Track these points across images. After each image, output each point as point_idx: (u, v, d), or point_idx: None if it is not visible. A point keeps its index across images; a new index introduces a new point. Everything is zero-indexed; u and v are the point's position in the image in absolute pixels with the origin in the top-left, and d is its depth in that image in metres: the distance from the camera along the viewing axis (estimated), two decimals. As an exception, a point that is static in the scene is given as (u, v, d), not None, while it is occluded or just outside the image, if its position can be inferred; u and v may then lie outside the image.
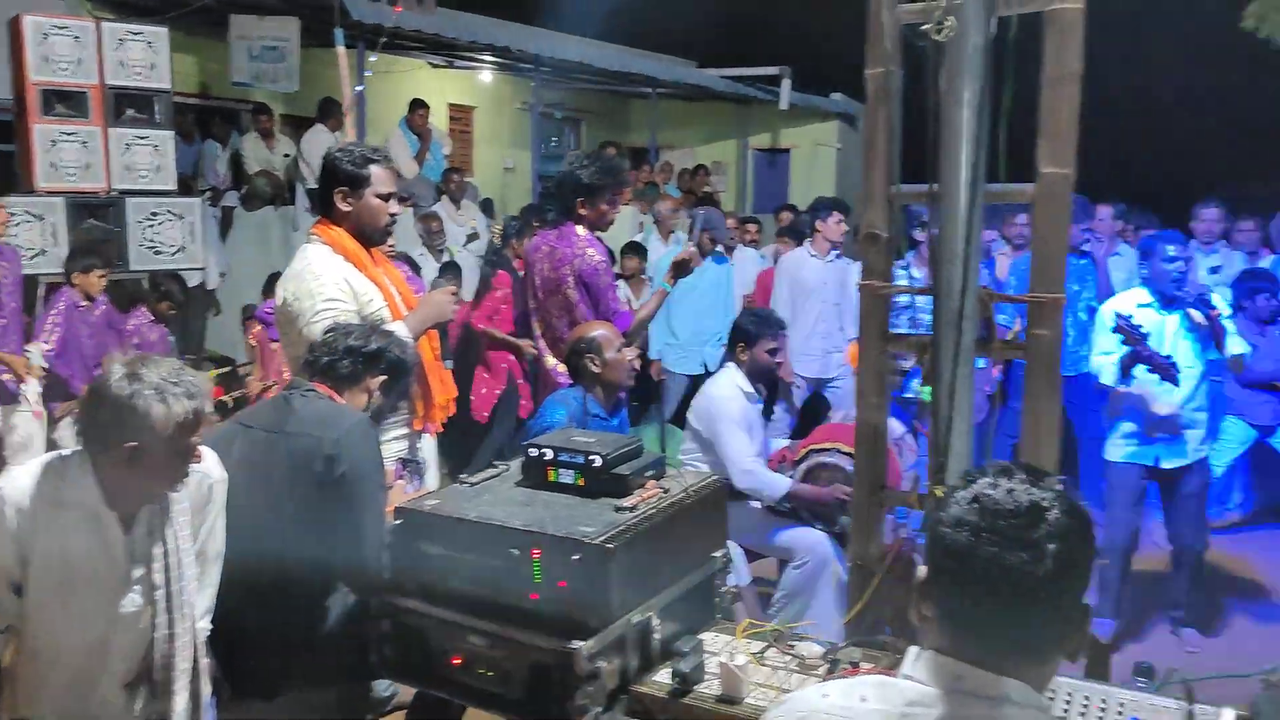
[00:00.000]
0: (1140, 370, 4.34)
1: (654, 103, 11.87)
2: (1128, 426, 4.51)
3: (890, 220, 2.70)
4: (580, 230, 4.20)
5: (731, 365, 4.48)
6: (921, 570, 1.50)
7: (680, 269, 4.39)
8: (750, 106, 13.21)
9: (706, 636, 2.49)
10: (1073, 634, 1.48)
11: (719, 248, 6.81)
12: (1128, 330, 4.20)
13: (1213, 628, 4.72)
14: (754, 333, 4.41)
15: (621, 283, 6.98)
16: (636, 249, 7.00)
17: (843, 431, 4.60)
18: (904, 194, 2.69)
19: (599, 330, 3.88)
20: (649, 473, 2.61)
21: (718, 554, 2.71)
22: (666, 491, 2.55)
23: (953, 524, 1.45)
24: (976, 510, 1.44)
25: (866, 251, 2.72)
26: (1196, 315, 4.40)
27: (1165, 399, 4.42)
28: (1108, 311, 4.45)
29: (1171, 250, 4.47)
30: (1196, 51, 10.45)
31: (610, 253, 4.58)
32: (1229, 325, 4.48)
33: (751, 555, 4.35)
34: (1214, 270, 6.10)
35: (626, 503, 2.42)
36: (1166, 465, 4.48)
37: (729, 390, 4.34)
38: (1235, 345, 4.47)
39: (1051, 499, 1.47)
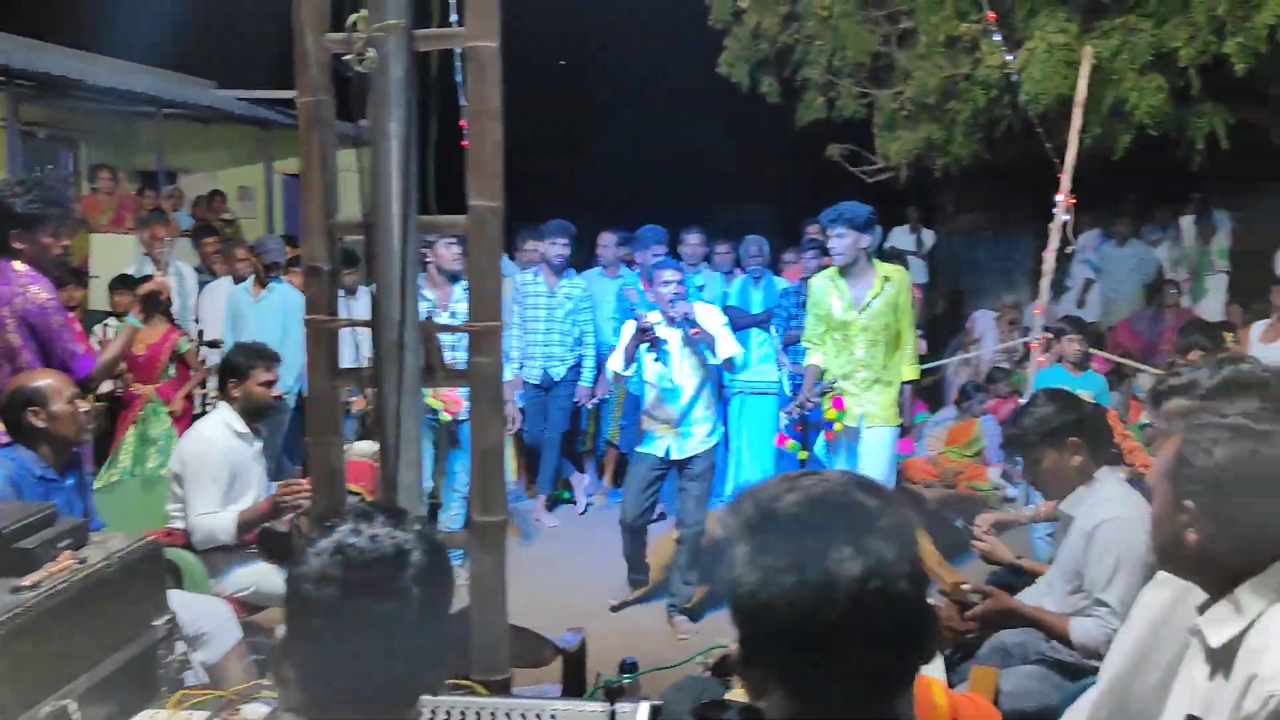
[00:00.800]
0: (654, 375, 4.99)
1: (159, 124, 10.96)
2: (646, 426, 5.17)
3: (331, 252, 2.63)
4: (19, 266, 3.69)
5: (223, 404, 4.20)
6: (280, 629, 1.42)
7: (148, 301, 4.07)
8: (276, 130, 12.65)
9: (144, 715, 2.27)
10: (436, 669, 1.48)
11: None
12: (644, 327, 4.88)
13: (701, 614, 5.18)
14: (244, 366, 4.17)
15: (113, 320, 6.31)
16: (127, 281, 6.36)
17: (362, 468, 4.51)
18: (341, 225, 2.64)
19: (44, 380, 3.44)
20: (63, 543, 2.34)
21: (159, 621, 2.49)
22: (84, 562, 2.31)
23: (316, 579, 1.38)
24: (340, 563, 1.39)
25: (309, 285, 2.63)
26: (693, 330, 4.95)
27: (674, 402, 5.05)
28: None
29: (668, 275, 5.03)
30: (681, 93, 11.63)
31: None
32: (725, 334, 5.10)
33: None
34: (700, 289, 6.78)
35: (28, 580, 2.16)
36: (676, 457, 5.09)
37: (212, 432, 4.06)
38: (728, 350, 5.04)
39: (413, 541, 1.46)
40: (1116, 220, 9.88)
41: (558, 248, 6.45)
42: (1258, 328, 5.99)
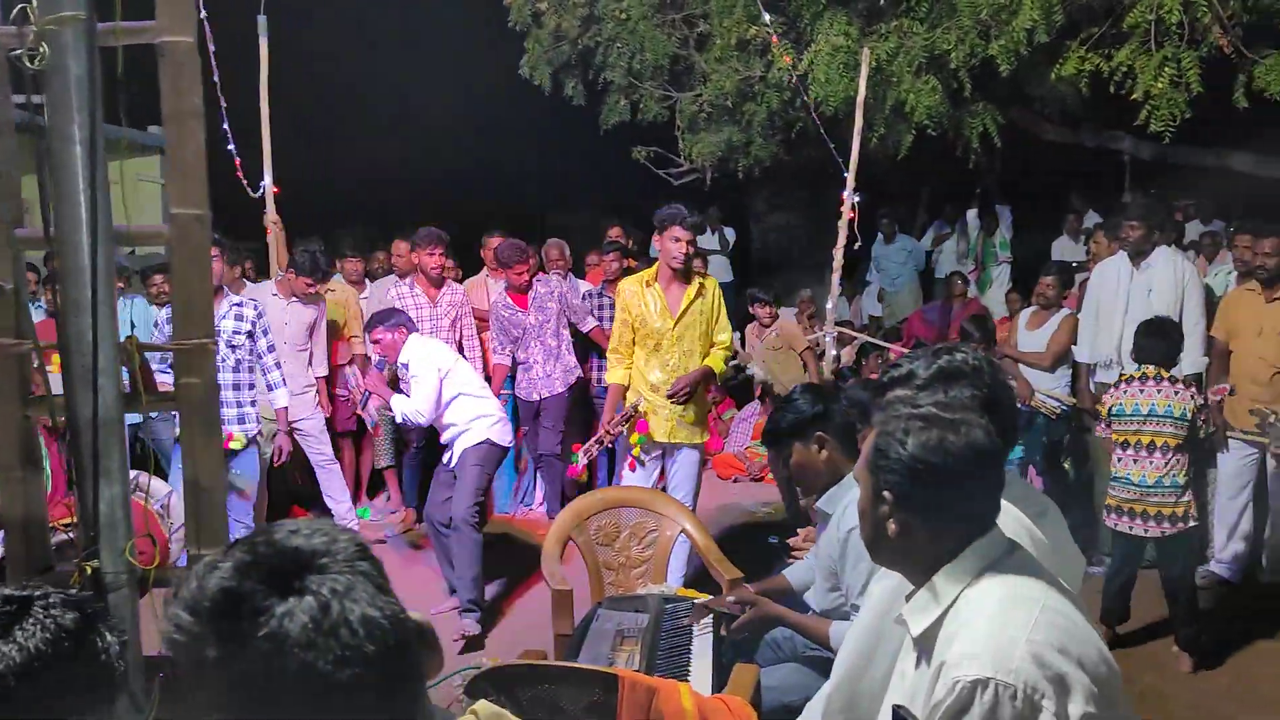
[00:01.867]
0: None
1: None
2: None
3: (14, 269, 2.39)
4: None
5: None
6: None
7: None
8: (53, 138, 11.80)
9: None
10: None
11: None
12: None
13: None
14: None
15: None
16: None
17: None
18: (23, 240, 2.40)
19: None
20: None
21: None
22: None
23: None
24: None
25: (-8, 306, 2.38)
26: None
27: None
28: None
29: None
30: (484, 92, 11.47)
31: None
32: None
33: None
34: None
35: None
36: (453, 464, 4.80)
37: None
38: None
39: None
40: (884, 218, 10.37)
41: (435, 258, 6.26)
42: (1024, 315, 6.31)
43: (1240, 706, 4.24)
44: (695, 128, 8.97)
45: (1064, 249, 9.21)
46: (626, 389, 5.00)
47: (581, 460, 4.88)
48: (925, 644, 1.83)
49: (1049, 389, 5.91)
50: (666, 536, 4.10)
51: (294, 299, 6.05)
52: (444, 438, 5.06)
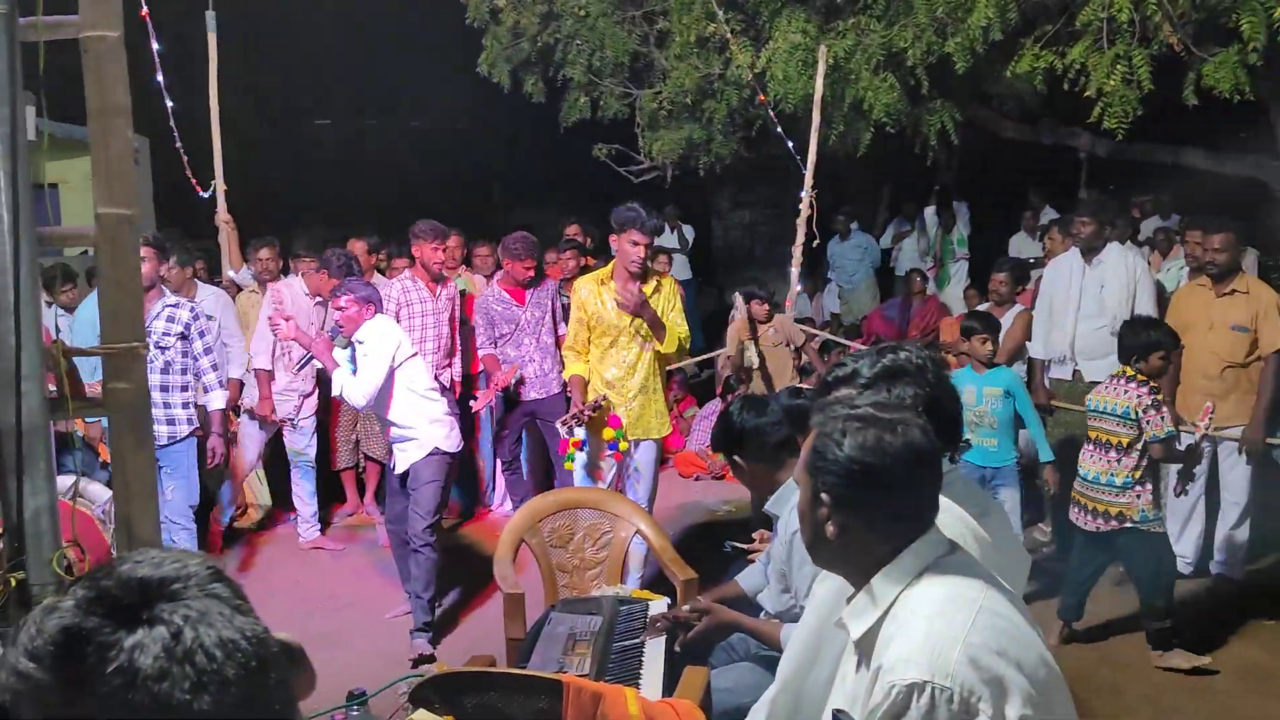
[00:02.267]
0: None
1: None
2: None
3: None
4: None
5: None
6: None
7: None
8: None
9: None
10: None
11: None
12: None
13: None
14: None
15: None
16: None
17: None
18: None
19: None
20: None
21: None
22: None
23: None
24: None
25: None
26: None
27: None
28: None
29: (343, 302, 4.88)
30: (443, 90, 11.38)
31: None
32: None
33: None
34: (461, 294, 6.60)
35: None
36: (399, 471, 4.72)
37: None
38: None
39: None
40: (840, 216, 10.41)
41: (437, 252, 6.06)
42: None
43: (1192, 698, 4.28)
44: (656, 125, 8.93)
45: (1021, 246, 9.28)
46: (588, 381, 4.97)
47: (566, 433, 4.84)
48: (865, 647, 1.81)
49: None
50: (621, 538, 4.06)
51: (319, 298, 6.05)
52: (389, 436, 4.96)
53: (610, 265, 4.99)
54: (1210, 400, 5.02)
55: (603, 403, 4.86)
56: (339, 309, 4.83)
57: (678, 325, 5.00)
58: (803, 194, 6.69)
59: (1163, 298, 5.67)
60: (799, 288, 6.99)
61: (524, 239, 6.18)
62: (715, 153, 8.89)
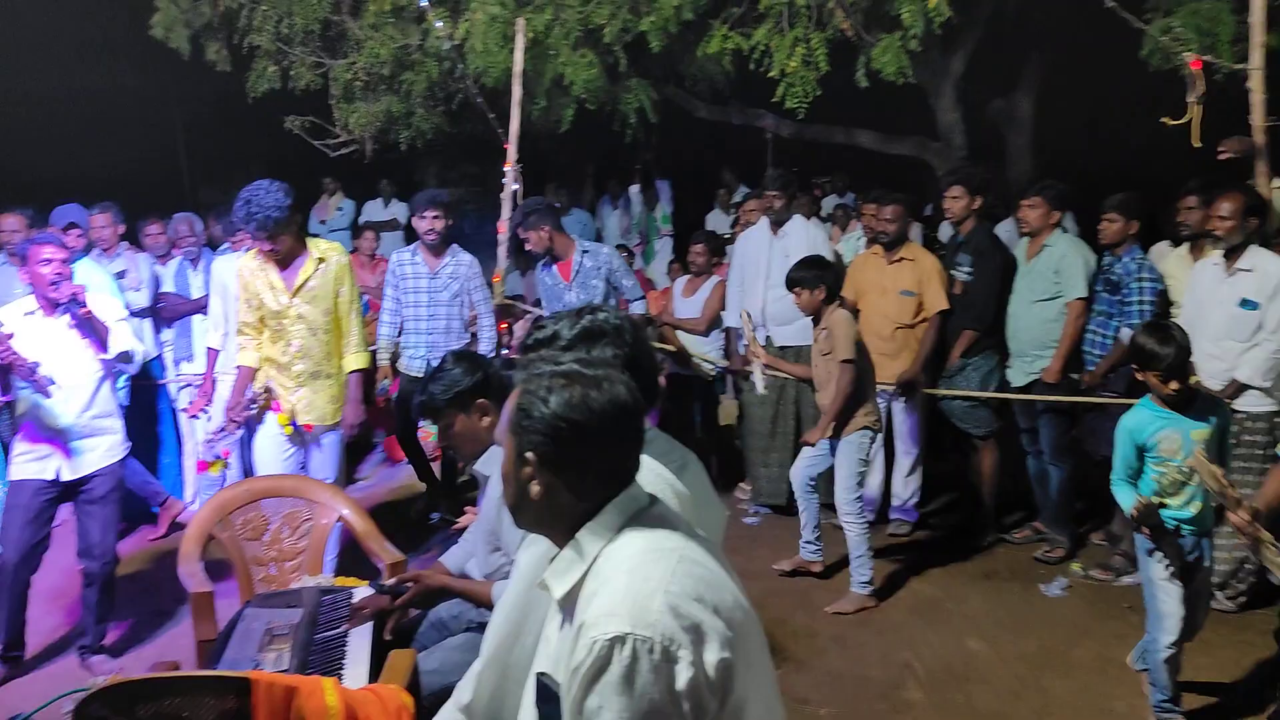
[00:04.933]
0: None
1: None
2: (24, 445, 4.30)
3: None
4: None
5: None
6: None
7: None
8: None
9: None
10: None
11: None
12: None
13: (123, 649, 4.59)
14: None
15: None
16: None
17: None
18: None
19: None
20: None
21: None
22: None
23: None
24: None
25: None
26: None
27: (61, 410, 4.25)
28: None
29: (46, 253, 4.22)
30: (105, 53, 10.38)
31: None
32: (120, 326, 4.41)
33: None
34: (120, 275, 5.97)
35: None
36: (68, 477, 4.31)
37: None
38: (123, 343, 4.37)
39: None
40: (559, 191, 10.49)
41: (428, 221, 5.66)
42: (679, 283, 6.58)
43: (874, 634, 4.65)
44: (351, 97, 8.53)
45: (716, 222, 9.71)
46: (256, 371, 4.66)
47: (210, 456, 4.48)
48: (568, 605, 1.78)
49: (704, 353, 6.18)
50: (322, 524, 3.84)
51: None
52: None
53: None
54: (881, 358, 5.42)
55: (269, 391, 4.60)
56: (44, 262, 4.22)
57: (349, 318, 4.69)
58: (507, 170, 6.63)
59: (841, 267, 6.10)
60: (507, 264, 6.92)
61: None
62: (416, 127, 8.62)
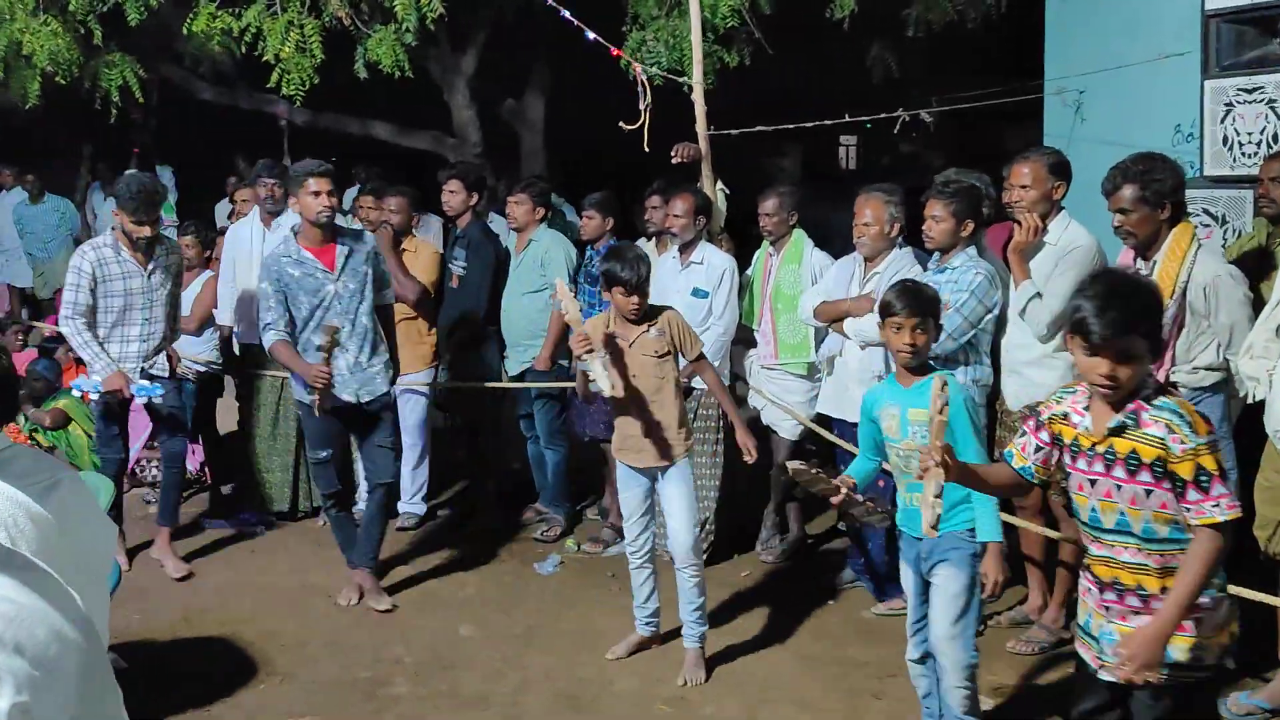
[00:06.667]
0: None
1: None
2: None
3: None
4: None
5: None
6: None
7: None
8: None
9: None
10: None
11: None
12: None
13: None
14: None
15: None
16: None
17: None
18: None
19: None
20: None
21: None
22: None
23: None
24: None
25: None
26: None
27: None
28: None
29: None
30: None
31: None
32: None
33: None
34: None
35: None
36: None
37: None
38: None
39: None
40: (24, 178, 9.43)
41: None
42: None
43: (364, 631, 4.59)
44: None
45: (227, 212, 9.11)
46: None
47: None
48: None
49: (196, 353, 5.75)
50: None
51: None
52: None
53: None
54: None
55: None
56: None
57: None
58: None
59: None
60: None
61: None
62: None
